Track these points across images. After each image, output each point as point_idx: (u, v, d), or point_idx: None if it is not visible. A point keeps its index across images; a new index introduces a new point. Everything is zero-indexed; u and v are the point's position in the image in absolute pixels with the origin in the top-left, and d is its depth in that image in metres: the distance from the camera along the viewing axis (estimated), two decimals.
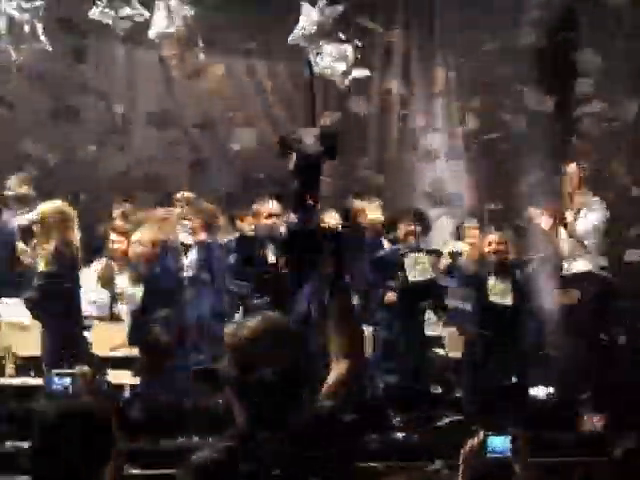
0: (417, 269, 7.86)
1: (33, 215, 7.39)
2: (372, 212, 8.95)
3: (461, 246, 9.11)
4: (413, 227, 7.99)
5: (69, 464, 2.72)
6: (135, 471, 5.71)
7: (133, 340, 7.53)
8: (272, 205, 7.82)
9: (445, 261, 8.90)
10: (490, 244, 7.95)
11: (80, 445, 2.74)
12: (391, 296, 7.95)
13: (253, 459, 2.40)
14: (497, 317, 7.81)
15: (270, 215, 7.78)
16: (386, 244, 8.90)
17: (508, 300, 7.85)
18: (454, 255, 8.92)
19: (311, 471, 2.46)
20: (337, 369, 2.71)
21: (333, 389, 2.66)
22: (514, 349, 7.87)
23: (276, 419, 2.46)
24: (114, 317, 8.51)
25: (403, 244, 8.07)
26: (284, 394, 2.47)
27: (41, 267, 6.96)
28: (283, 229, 6.94)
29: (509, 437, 3.18)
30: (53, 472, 2.73)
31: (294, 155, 2.73)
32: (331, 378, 2.69)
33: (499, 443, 3.16)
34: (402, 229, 8.03)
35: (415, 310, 7.87)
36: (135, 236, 7.63)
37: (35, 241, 7.15)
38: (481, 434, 3.15)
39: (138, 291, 7.53)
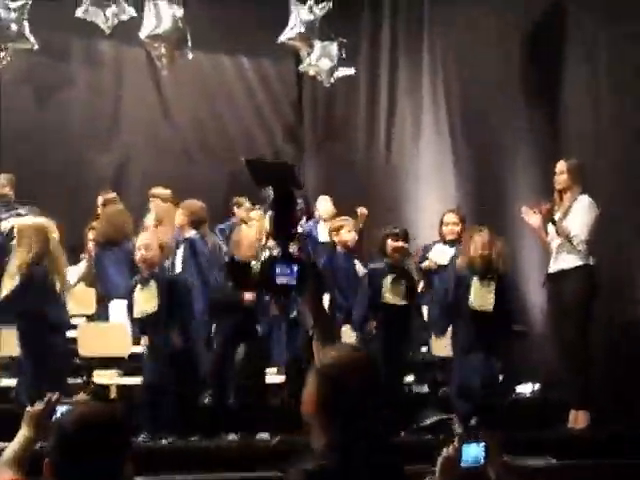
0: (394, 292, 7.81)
1: (10, 224, 7.29)
2: (346, 232, 8.94)
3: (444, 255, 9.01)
4: (401, 244, 7.88)
5: (89, 470, 2.77)
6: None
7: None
8: (252, 234, 7.64)
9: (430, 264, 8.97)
10: (477, 249, 7.90)
11: (100, 451, 2.78)
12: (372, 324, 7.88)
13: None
14: (477, 322, 7.76)
15: (250, 245, 7.41)
16: (357, 264, 8.92)
17: (489, 306, 7.82)
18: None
19: None
20: None
21: None
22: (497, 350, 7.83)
23: (363, 441, 2.69)
24: (100, 317, 8.50)
25: (389, 260, 7.93)
26: (372, 418, 2.73)
27: (13, 283, 6.74)
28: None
29: (482, 443, 3.19)
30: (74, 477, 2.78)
31: (270, 189, 2.76)
32: None
33: (474, 450, 3.17)
34: (388, 245, 7.89)
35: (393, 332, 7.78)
36: (141, 241, 7.47)
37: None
38: (456, 442, 3.16)
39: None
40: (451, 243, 8.96)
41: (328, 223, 9.43)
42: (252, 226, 8.26)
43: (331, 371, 2.72)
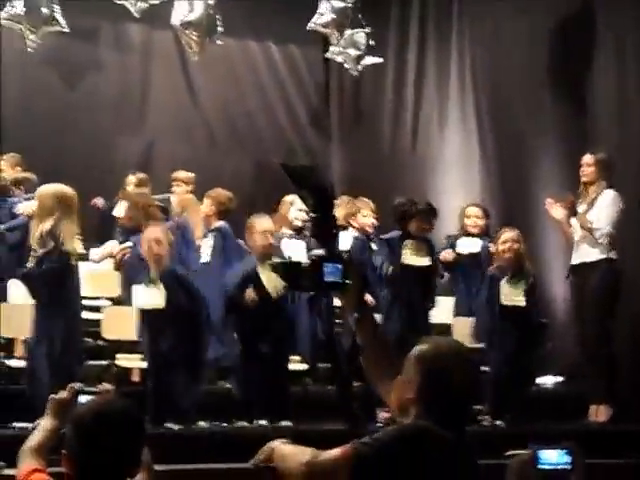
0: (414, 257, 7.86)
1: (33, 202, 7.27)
2: (362, 216, 8.93)
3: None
4: (428, 227, 7.92)
5: (106, 460, 2.82)
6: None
7: None
8: (266, 222, 7.65)
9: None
10: (505, 242, 7.94)
11: (116, 441, 2.83)
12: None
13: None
14: (511, 321, 7.86)
15: (265, 232, 7.57)
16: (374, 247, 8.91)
17: (521, 302, 7.88)
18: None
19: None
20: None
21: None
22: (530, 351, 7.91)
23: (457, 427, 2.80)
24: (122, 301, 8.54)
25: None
26: (464, 407, 2.86)
27: (35, 249, 6.70)
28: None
29: (563, 450, 3.20)
30: (91, 472, 2.83)
31: (310, 192, 2.85)
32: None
33: (550, 456, 3.17)
34: (414, 225, 7.91)
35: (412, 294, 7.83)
36: (152, 234, 7.37)
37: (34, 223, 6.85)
38: (531, 447, 3.20)
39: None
40: (474, 235, 8.91)
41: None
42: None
43: (435, 360, 2.81)
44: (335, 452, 2.69)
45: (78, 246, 6.88)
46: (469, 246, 8.90)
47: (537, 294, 8.16)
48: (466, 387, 2.82)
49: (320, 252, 2.83)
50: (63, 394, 3.35)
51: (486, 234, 8.88)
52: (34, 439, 3.28)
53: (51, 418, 3.31)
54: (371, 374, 2.99)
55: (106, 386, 3.44)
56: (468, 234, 8.97)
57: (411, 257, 7.87)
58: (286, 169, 2.87)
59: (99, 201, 10.04)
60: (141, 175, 9.77)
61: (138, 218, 8.31)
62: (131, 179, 9.70)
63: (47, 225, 6.67)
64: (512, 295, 7.87)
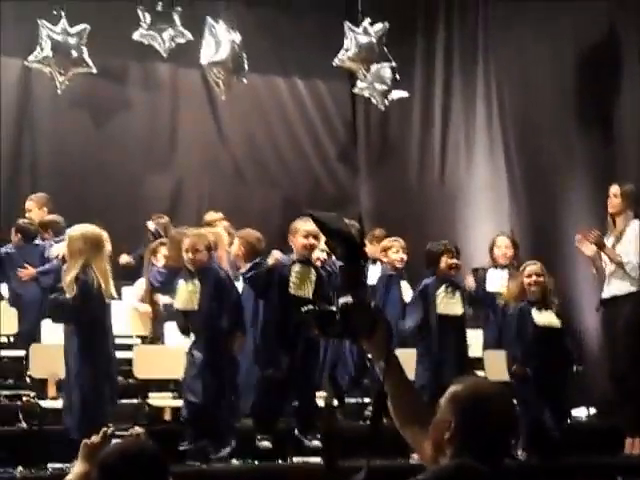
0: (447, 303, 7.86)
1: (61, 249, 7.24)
2: (394, 252, 8.97)
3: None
4: (455, 260, 7.94)
5: None
6: None
7: None
8: (310, 225, 7.09)
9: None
10: (530, 276, 7.94)
11: None
12: None
13: None
14: (547, 341, 7.84)
15: (308, 235, 7.32)
16: (405, 285, 8.91)
17: (555, 324, 7.89)
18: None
19: None
20: None
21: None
22: (564, 373, 7.88)
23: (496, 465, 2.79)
24: (155, 339, 8.56)
25: (441, 277, 7.97)
26: (501, 442, 2.85)
27: (67, 296, 6.63)
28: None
29: None
30: None
31: (338, 240, 2.86)
32: None
33: None
34: (444, 262, 7.95)
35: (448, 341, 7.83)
36: (186, 244, 7.28)
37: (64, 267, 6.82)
38: None
39: None
40: (502, 267, 8.97)
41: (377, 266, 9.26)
42: None
43: (470, 398, 2.81)
44: None
45: (110, 285, 6.84)
46: (498, 282, 8.90)
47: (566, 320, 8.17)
48: (502, 423, 2.82)
49: (348, 300, 2.83)
50: (95, 438, 3.36)
51: (513, 265, 8.89)
52: None
53: (83, 462, 3.32)
54: (399, 421, 2.98)
55: (138, 429, 3.45)
56: (497, 266, 9.00)
57: (445, 306, 7.84)
58: (314, 218, 2.88)
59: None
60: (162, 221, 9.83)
61: (176, 257, 8.29)
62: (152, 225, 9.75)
63: (75, 271, 6.62)
64: (547, 317, 7.87)
